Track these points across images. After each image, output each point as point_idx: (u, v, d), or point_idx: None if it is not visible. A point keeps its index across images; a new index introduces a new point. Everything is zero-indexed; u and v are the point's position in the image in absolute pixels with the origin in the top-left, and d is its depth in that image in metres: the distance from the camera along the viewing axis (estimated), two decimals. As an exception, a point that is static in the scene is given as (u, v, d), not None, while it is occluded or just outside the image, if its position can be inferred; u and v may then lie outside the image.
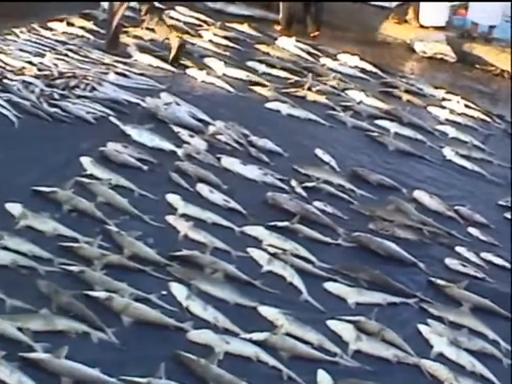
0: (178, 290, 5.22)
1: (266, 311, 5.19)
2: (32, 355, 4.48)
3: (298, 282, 5.56)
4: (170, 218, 5.94)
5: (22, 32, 9.13)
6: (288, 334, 5.01)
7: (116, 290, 5.06)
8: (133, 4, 10.30)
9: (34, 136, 6.88)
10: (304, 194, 6.69)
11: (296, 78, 9.09)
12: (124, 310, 4.92)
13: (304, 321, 5.14)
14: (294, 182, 6.81)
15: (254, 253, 5.75)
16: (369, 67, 9.94)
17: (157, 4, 10.42)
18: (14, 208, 5.69)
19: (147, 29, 9.67)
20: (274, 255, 5.74)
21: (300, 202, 6.50)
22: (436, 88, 9.95)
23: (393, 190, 7.16)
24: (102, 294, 5.01)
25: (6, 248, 5.29)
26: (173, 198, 6.17)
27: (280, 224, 6.10)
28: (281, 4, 10.88)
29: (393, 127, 8.34)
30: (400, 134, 8.27)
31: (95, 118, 7.28)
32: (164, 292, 5.19)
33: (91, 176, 6.24)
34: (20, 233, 5.50)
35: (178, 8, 10.63)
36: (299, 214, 6.28)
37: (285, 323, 5.08)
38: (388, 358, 5.08)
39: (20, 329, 4.64)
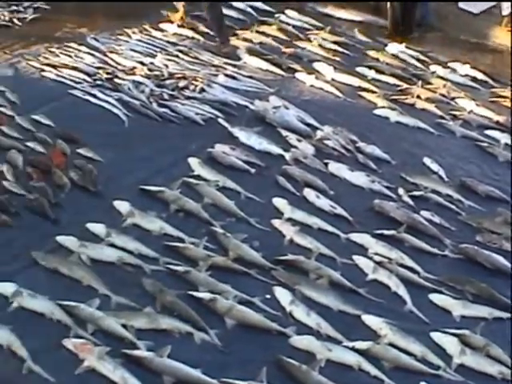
0: (282, 295, 5.20)
1: (370, 320, 5.13)
2: (135, 352, 4.55)
3: (402, 291, 5.46)
4: (276, 222, 5.92)
5: (133, 32, 9.30)
6: (391, 345, 4.94)
7: (220, 292, 5.08)
8: (242, 6, 10.41)
9: (143, 135, 6.99)
10: (411, 202, 6.55)
11: (405, 85, 8.94)
12: (227, 312, 4.94)
13: (407, 331, 5.05)
14: (401, 191, 6.68)
15: (360, 260, 5.68)
16: (480, 76, 9.70)
17: (266, 7, 10.53)
18: (122, 206, 5.79)
19: (257, 32, 9.69)
20: (379, 264, 5.65)
21: (407, 210, 6.36)
22: (550, 99, 9.65)
23: (502, 201, 6.93)
24: (206, 295, 5.03)
25: (112, 245, 5.42)
26: (279, 202, 6.15)
27: (386, 232, 6.00)
28: (388, 8, 10.74)
29: (503, 138, 8.10)
30: (510, 145, 8.04)
31: (204, 119, 7.32)
32: (268, 296, 5.19)
33: (198, 177, 6.28)
34: (127, 231, 5.60)
35: (287, 12, 10.58)
36: (406, 223, 6.16)
37: (388, 333, 5.00)
38: (492, 375, 4.94)
39: (124, 326, 4.73)
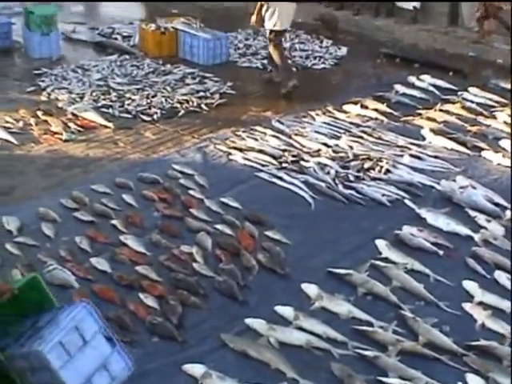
0: (475, 382, 4.99)
1: None
2: None
3: None
4: (467, 306, 5.73)
5: (317, 115, 9.45)
6: None
7: (410, 378, 4.96)
8: (424, 85, 10.39)
9: (330, 217, 7.03)
10: None
11: None
12: (418, 399, 4.80)
13: None
14: None
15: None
16: None
17: (449, 86, 10.45)
18: (310, 289, 5.79)
19: (440, 110, 9.61)
20: None
21: None
22: None
23: None
24: (396, 382, 4.91)
25: (301, 328, 5.39)
26: (469, 285, 5.96)
27: None
28: None
29: None
30: None
31: (390, 200, 7.28)
32: (460, 383, 4.98)
33: (386, 259, 6.20)
34: (315, 314, 5.57)
35: (470, 89, 10.46)
36: None
37: None
38: None
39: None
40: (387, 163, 7.95)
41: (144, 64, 11.61)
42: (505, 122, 9.43)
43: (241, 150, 8.31)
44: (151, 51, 12.19)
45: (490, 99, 10.24)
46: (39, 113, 9.32)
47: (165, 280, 5.91)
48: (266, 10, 10.17)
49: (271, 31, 10.35)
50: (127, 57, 12.00)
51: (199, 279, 5.92)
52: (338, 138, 8.69)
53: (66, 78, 10.91)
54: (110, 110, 9.60)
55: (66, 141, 8.61)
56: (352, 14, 14.60)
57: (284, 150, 8.29)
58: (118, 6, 15.99)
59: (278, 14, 10.10)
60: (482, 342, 5.34)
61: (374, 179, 7.66)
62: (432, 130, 8.94)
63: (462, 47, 12.96)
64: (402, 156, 8.21)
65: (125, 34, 13.51)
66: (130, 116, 9.47)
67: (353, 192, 7.39)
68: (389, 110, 9.61)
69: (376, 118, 9.42)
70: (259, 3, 10.23)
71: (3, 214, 6.77)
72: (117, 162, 8.14)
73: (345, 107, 9.69)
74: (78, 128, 8.95)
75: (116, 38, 13.30)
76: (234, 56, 12.29)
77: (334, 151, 8.28)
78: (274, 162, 8.00)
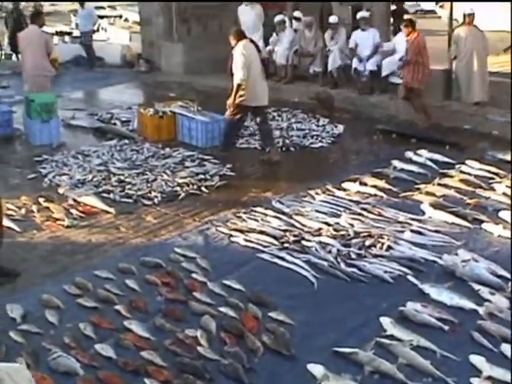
0: None
1: None
2: None
3: None
4: (475, 381, 5.66)
5: (317, 193, 9.52)
6: None
7: None
8: (422, 160, 10.49)
9: (333, 296, 7.00)
10: None
11: None
12: None
13: None
14: None
15: None
16: None
17: (446, 159, 10.54)
18: (316, 369, 5.73)
19: (439, 184, 9.69)
20: None
21: None
22: None
23: None
24: None
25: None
26: (477, 360, 5.89)
27: None
28: None
29: None
30: None
31: (393, 277, 7.26)
32: None
33: (391, 337, 6.16)
34: (321, 394, 5.52)
35: (468, 162, 10.57)
36: None
37: None
38: None
39: None
40: (388, 240, 7.97)
41: (143, 148, 11.75)
42: (504, 194, 9.48)
43: (242, 231, 8.34)
44: (150, 135, 12.36)
45: (488, 171, 10.33)
46: (41, 199, 9.40)
47: (170, 365, 5.85)
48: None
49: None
50: (127, 141, 12.17)
51: (204, 363, 5.87)
52: (339, 216, 8.73)
53: (66, 164, 11.04)
54: (111, 195, 9.67)
55: (68, 227, 8.66)
56: (357, 92, 14.90)
57: (285, 230, 8.32)
58: (117, 91, 16.28)
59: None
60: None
61: (375, 256, 7.66)
62: (431, 205, 8.98)
63: (457, 120, 13.14)
64: (402, 232, 8.24)
65: (124, 119, 13.75)
66: (130, 200, 9.54)
67: (355, 270, 7.38)
68: (388, 186, 9.69)
69: (375, 195, 9.49)
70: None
71: (7, 302, 6.76)
72: (119, 247, 8.17)
73: (344, 185, 9.76)
74: (80, 214, 9.01)
75: (115, 123, 13.52)
76: (232, 137, 12.41)
77: (335, 229, 8.30)
78: (275, 242, 8.02)
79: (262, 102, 11.33)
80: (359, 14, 15.83)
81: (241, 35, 11.20)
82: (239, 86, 10.83)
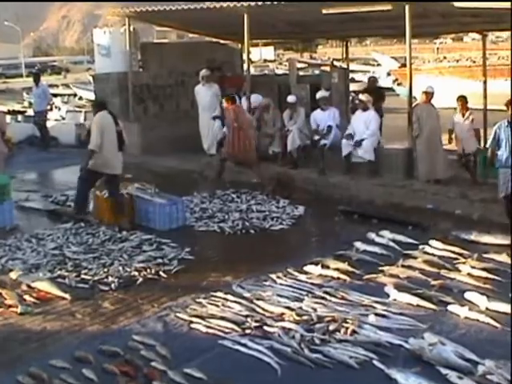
0: None
1: None
2: None
3: None
4: None
5: (278, 277, 9.30)
6: None
7: None
8: (384, 241, 10.38)
9: (297, 383, 6.77)
10: None
11: None
12: None
13: None
14: None
15: None
16: None
17: (410, 240, 10.46)
18: None
19: (403, 266, 9.55)
20: None
21: None
22: None
23: None
24: None
25: None
26: None
27: None
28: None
29: None
30: None
31: (358, 362, 7.03)
32: None
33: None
34: None
35: (431, 242, 10.48)
36: None
37: None
38: None
39: None
40: (353, 324, 7.74)
41: (99, 231, 11.52)
42: (469, 274, 9.37)
43: (202, 317, 8.07)
44: (106, 218, 12.12)
45: (452, 251, 10.23)
46: (-7, 285, 9.09)
47: None
48: None
49: None
50: (82, 224, 11.91)
51: None
52: (301, 300, 8.50)
53: (20, 247, 10.78)
54: (67, 281, 9.37)
55: (21, 314, 8.34)
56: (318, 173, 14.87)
57: (246, 316, 8.06)
58: (72, 171, 16.06)
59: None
60: None
61: (340, 341, 7.41)
62: (396, 287, 8.81)
63: (419, 200, 13.11)
64: (367, 315, 8.03)
65: (80, 202, 13.47)
66: (87, 286, 9.25)
67: (319, 356, 7.13)
68: (351, 269, 9.51)
69: (338, 278, 9.29)
70: None
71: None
72: (75, 335, 7.85)
73: (306, 268, 9.56)
74: (34, 300, 8.71)
75: (70, 206, 13.24)
76: (191, 220, 12.28)
77: (298, 314, 8.06)
78: (236, 328, 7.75)
79: (115, 171, 12.20)
80: (319, 94, 15.95)
81: (100, 106, 12.51)
82: (92, 151, 11.96)
